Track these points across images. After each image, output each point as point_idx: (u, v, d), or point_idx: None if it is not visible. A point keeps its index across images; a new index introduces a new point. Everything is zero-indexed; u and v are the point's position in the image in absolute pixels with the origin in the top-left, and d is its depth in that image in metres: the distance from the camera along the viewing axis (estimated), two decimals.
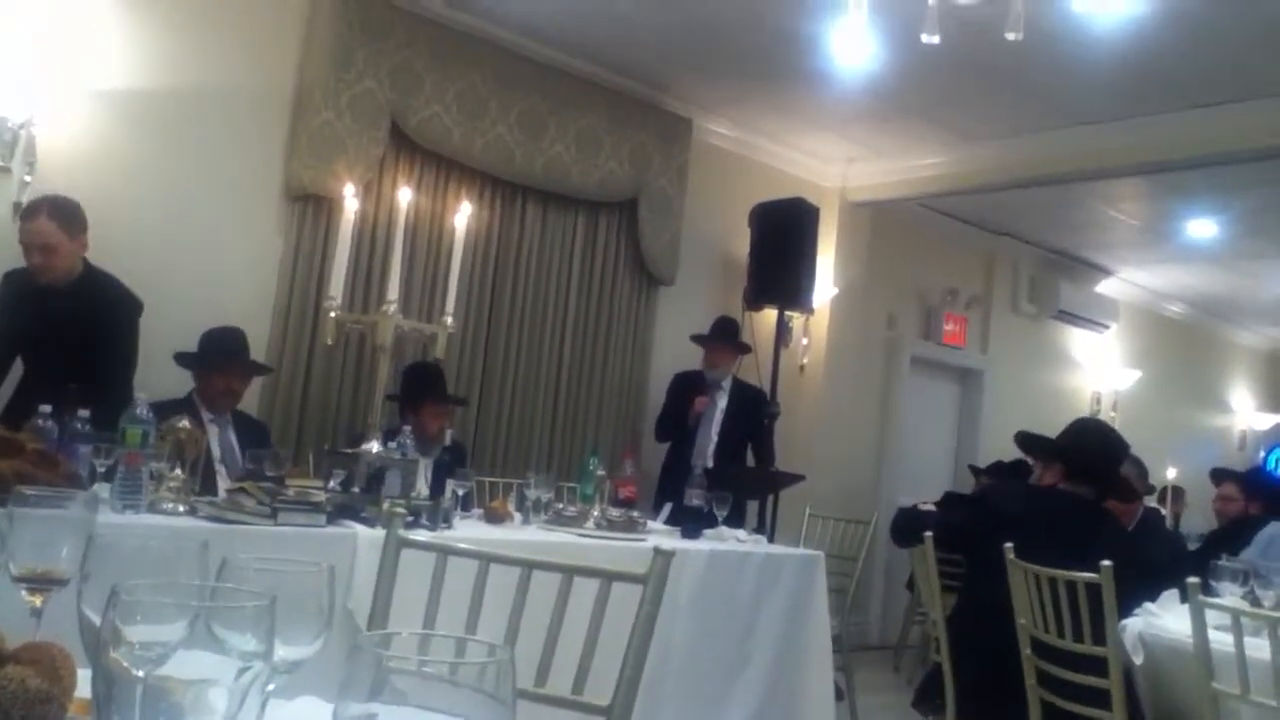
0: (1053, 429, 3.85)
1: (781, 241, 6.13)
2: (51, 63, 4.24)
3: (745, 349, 6.05)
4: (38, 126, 4.22)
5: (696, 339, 6.02)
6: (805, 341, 7.05)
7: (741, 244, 6.40)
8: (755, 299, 6.26)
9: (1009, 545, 3.15)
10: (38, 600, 1.14)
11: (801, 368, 7.03)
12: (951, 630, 3.56)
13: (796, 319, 6.81)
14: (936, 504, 6.24)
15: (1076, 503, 3.42)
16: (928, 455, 8.24)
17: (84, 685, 0.88)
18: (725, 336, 5.96)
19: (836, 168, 7.16)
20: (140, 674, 0.73)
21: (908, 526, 3.94)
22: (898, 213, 7.48)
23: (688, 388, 5.90)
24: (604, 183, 5.94)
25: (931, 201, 7.44)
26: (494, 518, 3.79)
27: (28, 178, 4.21)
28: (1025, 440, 3.89)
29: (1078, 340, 9.43)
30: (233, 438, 4.19)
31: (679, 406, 5.86)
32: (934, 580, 3.69)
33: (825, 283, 6.87)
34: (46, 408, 2.98)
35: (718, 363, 5.91)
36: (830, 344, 7.15)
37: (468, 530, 3.47)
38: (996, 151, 6.41)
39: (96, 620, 0.79)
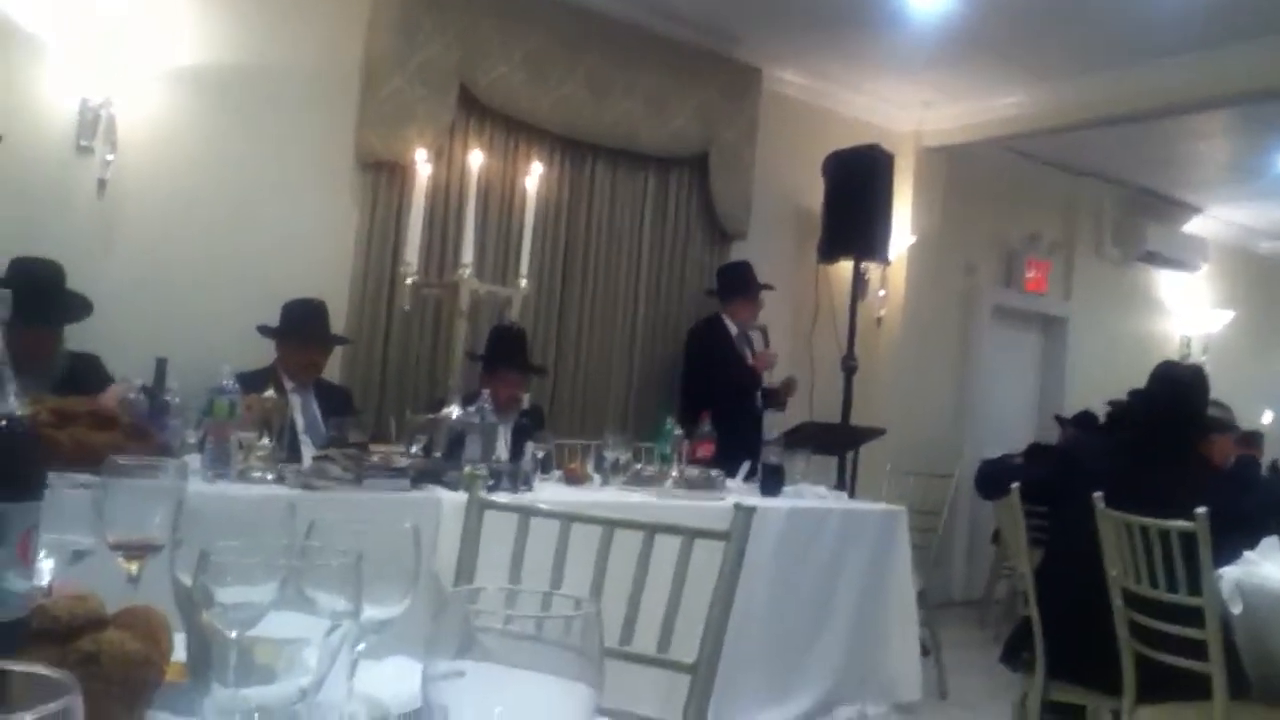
0: (1139, 376, 3.73)
1: (856, 191, 6.01)
2: (127, 43, 4.31)
3: (765, 287, 5.86)
4: (116, 106, 4.31)
5: (716, 294, 5.86)
6: (882, 293, 6.94)
7: (815, 195, 6.29)
8: (830, 251, 6.15)
9: (1098, 495, 3.08)
10: (134, 567, 1.17)
11: (879, 320, 6.93)
12: (1039, 584, 3.50)
13: (873, 270, 6.69)
14: (1023, 455, 6.11)
15: (1165, 455, 3.32)
16: (1010, 406, 8.08)
17: (180, 648, 0.90)
18: (758, 286, 5.77)
19: (911, 113, 7.00)
20: (233, 635, 0.74)
21: (993, 479, 3.86)
22: (975, 157, 7.29)
23: (719, 337, 5.71)
24: (673, 139, 5.89)
25: (1009, 144, 7.22)
26: (573, 479, 3.81)
27: (110, 156, 4.31)
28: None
29: (1165, 283, 9.14)
30: (315, 407, 4.26)
31: (738, 357, 5.68)
32: (1021, 534, 3.61)
33: (902, 232, 6.74)
34: (138, 381, 3.06)
35: (757, 314, 5.76)
36: (908, 295, 7.03)
37: (547, 493, 3.49)
38: (1075, 89, 6.20)
39: (188, 583, 0.80)
